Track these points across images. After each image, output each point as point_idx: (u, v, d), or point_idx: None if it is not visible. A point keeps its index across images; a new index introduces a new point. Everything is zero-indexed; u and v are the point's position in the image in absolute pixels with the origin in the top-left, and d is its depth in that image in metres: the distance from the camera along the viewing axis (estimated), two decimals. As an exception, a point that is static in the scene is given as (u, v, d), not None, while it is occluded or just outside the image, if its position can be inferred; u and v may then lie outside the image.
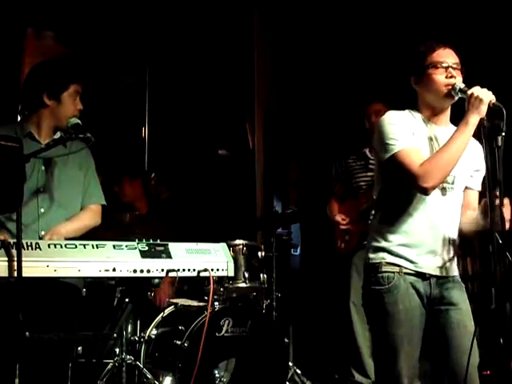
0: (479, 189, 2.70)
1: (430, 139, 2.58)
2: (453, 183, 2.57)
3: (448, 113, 2.64)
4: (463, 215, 2.64)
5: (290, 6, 6.05)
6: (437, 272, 2.54)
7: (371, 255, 2.57)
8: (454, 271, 2.61)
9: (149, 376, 3.64)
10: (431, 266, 2.53)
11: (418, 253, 2.52)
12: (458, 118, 2.50)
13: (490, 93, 2.39)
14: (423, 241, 2.52)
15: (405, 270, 2.50)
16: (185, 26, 5.61)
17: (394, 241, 2.53)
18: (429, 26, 5.00)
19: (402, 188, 2.53)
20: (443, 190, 2.55)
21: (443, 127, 2.62)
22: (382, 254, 2.54)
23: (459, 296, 2.58)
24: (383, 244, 2.55)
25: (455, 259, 2.62)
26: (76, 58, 4.93)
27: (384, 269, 2.51)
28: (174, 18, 5.54)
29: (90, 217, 3.06)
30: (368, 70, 5.78)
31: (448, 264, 2.57)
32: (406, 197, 2.53)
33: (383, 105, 4.41)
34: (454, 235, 2.60)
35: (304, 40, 6.37)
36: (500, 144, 2.25)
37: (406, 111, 2.63)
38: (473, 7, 4.98)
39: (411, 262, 2.51)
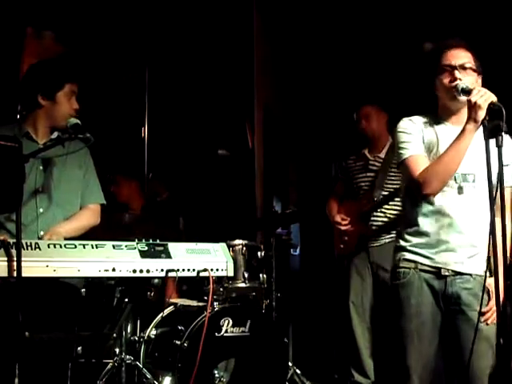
0: (510, 184, 2.64)
1: (442, 144, 2.59)
2: (474, 181, 2.58)
3: (465, 112, 2.61)
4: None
5: (291, 6, 6.05)
6: (456, 268, 2.56)
7: (394, 254, 2.69)
8: (478, 269, 2.59)
9: (148, 376, 3.64)
10: (449, 262, 2.56)
11: (436, 251, 2.57)
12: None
13: (490, 94, 2.39)
14: (440, 240, 2.56)
15: (420, 267, 2.57)
16: (184, 26, 5.61)
17: (411, 241, 2.62)
18: (427, 28, 5.00)
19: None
20: (460, 189, 2.57)
21: (461, 127, 2.58)
22: (401, 252, 2.64)
23: (478, 297, 2.53)
24: (402, 243, 2.65)
25: (480, 256, 2.60)
26: (75, 57, 4.93)
27: (401, 264, 2.62)
28: (173, 19, 5.54)
29: (89, 216, 3.05)
30: (368, 70, 5.78)
31: (469, 261, 2.57)
32: (417, 198, 2.59)
33: (373, 107, 4.40)
34: (478, 232, 2.58)
35: (303, 40, 6.37)
36: (500, 144, 2.26)
37: (420, 117, 2.68)
38: (472, 7, 4.98)
39: (428, 258, 2.57)
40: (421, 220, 2.58)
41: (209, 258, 2.80)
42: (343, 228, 4.37)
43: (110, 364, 3.67)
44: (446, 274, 2.55)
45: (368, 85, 5.66)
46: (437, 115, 2.68)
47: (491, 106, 2.36)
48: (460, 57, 2.57)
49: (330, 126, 6.37)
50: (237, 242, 4.09)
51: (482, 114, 2.37)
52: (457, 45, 2.59)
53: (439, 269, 2.55)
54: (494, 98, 2.38)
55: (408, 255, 2.60)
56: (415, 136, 2.60)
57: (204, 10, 5.62)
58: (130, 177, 5.00)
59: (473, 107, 2.38)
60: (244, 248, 4.10)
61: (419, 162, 2.54)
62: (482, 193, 2.59)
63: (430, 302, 2.55)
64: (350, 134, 4.71)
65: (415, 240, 2.60)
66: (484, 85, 2.53)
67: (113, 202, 4.79)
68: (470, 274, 2.57)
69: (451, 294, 2.55)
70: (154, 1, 5.49)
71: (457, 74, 2.53)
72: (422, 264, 2.57)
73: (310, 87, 6.60)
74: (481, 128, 2.45)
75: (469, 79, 2.54)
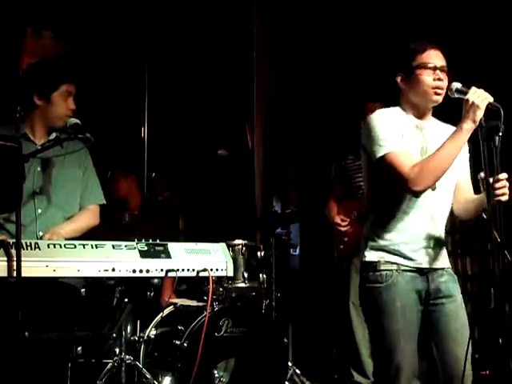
0: (468, 173, 2.71)
1: (420, 138, 2.59)
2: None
3: (430, 112, 2.65)
4: (459, 200, 2.67)
5: (290, 6, 6.05)
6: (432, 265, 2.58)
7: (368, 254, 2.60)
8: (447, 263, 2.65)
9: (148, 376, 3.64)
10: (427, 260, 2.57)
11: (414, 248, 2.55)
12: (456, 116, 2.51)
13: (487, 94, 2.39)
14: (418, 237, 2.56)
15: (403, 268, 2.54)
16: (184, 26, 5.61)
17: (390, 239, 2.56)
18: (428, 27, 5.00)
19: (393, 187, 2.55)
20: (433, 186, 2.55)
21: (427, 122, 2.64)
22: (379, 253, 2.57)
23: (454, 288, 2.62)
24: (380, 243, 2.57)
25: (445, 251, 2.66)
26: (73, 56, 4.93)
27: (382, 267, 2.54)
28: (173, 18, 5.54)
29: (89, 217, 3.06)
30: (368, 70, 5.78)
31: (441, 256, 2.62)
32: (398, 195, 2.55)
33: (380, 104, 4.39)
34: (444, 227, 2.64)
35: (304, 40, 6.37)
36: (497, 144, 2.26)
37: (397, 108, 2.65)
38: (471, 7, 4.98)
39: (409, 259, 2.55)
40: (401, 217, 2.54)
41: (208, 258, 2.80)
42: (343, 229, 4.37)
43: (110, 364, 3.67)
44: (426, 270, 2.57)
45: (368, 85, 5.66)
46: (403, 110, 2.64)
47: (489, 106, 2.36)
48: (441, 59, 2.57)
49: (329, 126, 6.37)
50: (236, 241, 4.09)
51: (480, 114, 2.36)
52: (437, 47, 2.59)
53: (421, 268, 2.56)
54: (490, 99, 2.38)
55: (388, 256, 2.55)
56: (394, 129, 2.53)
57: (205, 10, 5.63)
58: (127, 171, 4.98)
59: (471, 107, 2.37)
60: (244, 248, 4.11)
61: (404, 157, 2.48)
62: (448, 188, 2.63)
63: (414, 301, 2.54)
64: (349, 133, 4.71)
65: (395, 238, 2.55)
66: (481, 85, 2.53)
67: (110, 198, 4.78)
68: (443, 268, 2.62)
69: (433, 290, 2.57)
70: (154, 2, 5.49)
71: (440, 74, 2.53)
72: (403, 265, 2.54)
73: (309, 87, 6.59)
74: (444, 127, 2.54)
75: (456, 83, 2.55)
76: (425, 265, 2.56)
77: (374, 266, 2.56)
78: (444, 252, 2.64)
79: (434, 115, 2.69)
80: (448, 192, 2.64)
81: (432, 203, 2.56)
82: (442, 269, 2.61)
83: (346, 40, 5.96)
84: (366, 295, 2.60)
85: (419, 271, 2.55)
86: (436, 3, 5.20)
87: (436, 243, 2.59)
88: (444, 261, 2.63)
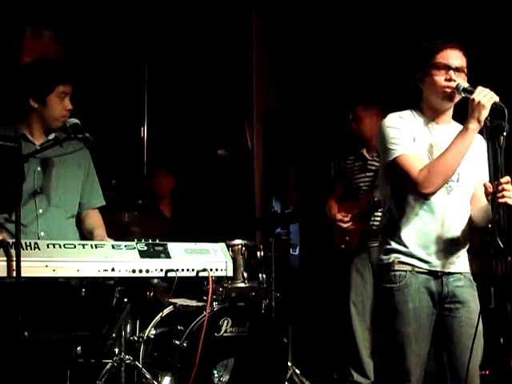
0: (486, 180, 2.68)
1: (432, 142, 2.58)
2: (458, 181, 2.57)
3: (450, 112, 2.64)
4: (475, 206, 2.64)
5: (290, 6, 6.06)
6: (449, 268, 2.57)
7: (383, 256, 2.60)
8: (465, 267, 2.64)
9: (148, 376, 3.64)
10: (443, 263, 2.55)
11: (430, 252, 2.55)
12: (461, 116, 2.50)
13: (493, 94, 2.38)
14: (433, 241, 2.55)
15: (417, 269, 2.54)
16: (184, 25, 5.61)
17: (405, 242, 2.56)
18: (427, 28, 5.00)
19: (405, 191, 2.55)
20: (448, 189, 2.56)
21: (445, 126, 2.63)
22: (394, 255, 2.57)
23: (470, 294, 2.60)
24: (394, 246, 2.58)
25: (466, 255, 2.64)
26: (73, 56, 4.93)
27: (397, 267, 2.55)
28: (172, 18, 5.55)
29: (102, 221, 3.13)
30: (367, 70, 5.78)
31: (459, 260, 2.60)
32: (411, 199, 2.55)
33: (364, 109, 4.40)
34: (463, 231, 2.61)
35: (303, 40, 6.37)
36: (502, 144, 2.26)
37: (408, 112, 2.63)
38: (471, 6, 4.98)
39: (424, 261, 2.55)
40: (414, 220, 2.54)
41: (208, 258, 2.79)
42: (345, 225, 4.35)
43: (110, 364, 3.68)
44: (441, 273, 2.55)
45: (366, 85, 5.66)
46: (420, 112, 2.63)
47: (494, 105, 2.35)
48: (458, 58, 2.54)
49: (329, 126, 6.37)
50: (236, 241, 4.09)
51: (485, 114, 2.36)
52: (456, 46, 2.56)
53: (436, 271, 2.55)
54: (496, 98, 2.37)
55: (403, 258, 2.55)
56: (405, 133, 2.53)
57: (204, 11, 5.62)
58: (168, 172, 5.14)
59: (476, 107, 2.37)
60: (243, 248, 4.10)
61: (414, 160, 2.49)
62: (465, 191, 2.61)
63: (427, 304, 2.53)
64: (349, 133, 4.71)
65: (408, 241, 2.55)
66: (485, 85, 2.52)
67: (152, 196, 5.02)
68: (461, 273, 2.60)
69: (447, 294, 2.56)
70: (153, 2, 5.49)
71: (452, 74, 2.51)
72: (418, 267, 2.54)
73: (309, 87, 6.60)
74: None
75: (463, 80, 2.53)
76: (439, 268, 2.55)
77: (388, 266, 2.56)
78: (462, 256, 2.62)
79: (456, 119, 2.66)
80: (465, 196, 2.62)
81: (447, 207, 2.55)
82: (460, 273, 2.59)
83: (344, 40, 5.97)
84: (380, 295, 2.61)
85: (433, 274, 2.54)
86: (435, 4, 5.20)
87: (451, 247, 2.57)
88: (462, 265, 2.61)
